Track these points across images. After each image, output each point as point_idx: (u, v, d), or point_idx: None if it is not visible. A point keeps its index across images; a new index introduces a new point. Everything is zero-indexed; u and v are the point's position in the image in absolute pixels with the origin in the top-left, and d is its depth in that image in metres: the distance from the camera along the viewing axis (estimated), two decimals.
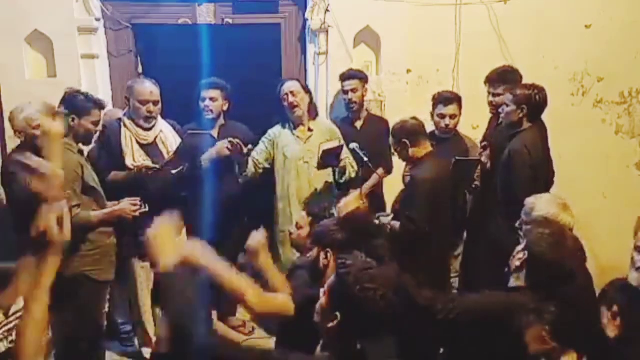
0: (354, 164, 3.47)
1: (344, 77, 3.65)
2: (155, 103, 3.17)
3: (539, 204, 2.40)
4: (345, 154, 3.41)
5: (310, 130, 3.50)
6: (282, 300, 1.87)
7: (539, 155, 3.05)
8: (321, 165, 3.35)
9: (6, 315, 2.06)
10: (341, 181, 3.51)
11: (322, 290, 1.54)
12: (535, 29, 4.01)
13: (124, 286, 3.37)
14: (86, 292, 2.85)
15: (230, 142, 3.29)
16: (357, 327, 1.45)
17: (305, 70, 4.12)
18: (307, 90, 3.52)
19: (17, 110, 3.10)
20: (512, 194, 2.89)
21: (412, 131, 3.00)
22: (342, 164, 3.39)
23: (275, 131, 3.54)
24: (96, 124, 2.92)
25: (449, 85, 3.89)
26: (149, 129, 3.22)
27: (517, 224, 2.46)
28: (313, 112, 3.54)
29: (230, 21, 4.00)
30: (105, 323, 3.09)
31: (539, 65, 3.91)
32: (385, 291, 1.43)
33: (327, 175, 3.51)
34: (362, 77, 3.66)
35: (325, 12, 3.82)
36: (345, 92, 3.64)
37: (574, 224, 2.36)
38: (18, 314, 2.09)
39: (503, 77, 3.37)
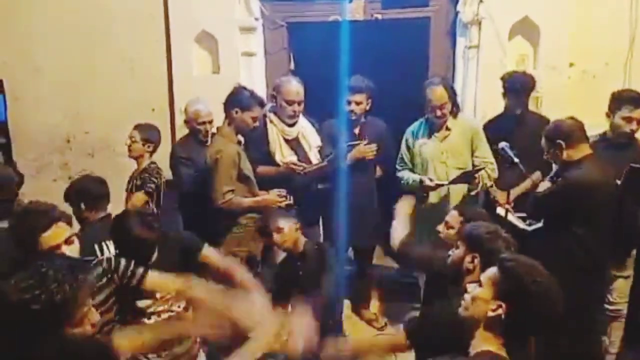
0: (493, 171, 3.26)
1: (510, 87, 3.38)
2: (299, 103, 3.33)
3: None
4: (482, 162, 3.24)
5: (448, 129, 3.33)
6: None
7: None
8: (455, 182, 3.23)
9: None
10: (472, 193, 3.29)
11: (472, 286, 1.58)
12: None
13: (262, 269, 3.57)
14: None
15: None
16: (528, 320, 1.48)
17: (454, 65, 3.97)
18: (451, 92, 3.30)
19: (190, 103, 3.51)
20: None
21: (569, 132, 2.74)
22: (475, 181, 3.20)
23: (413, 129, 3.45)
24: (255, 119, 3.14)
25: (620, 82, 3.48)
26: (292, 125, 3.38)
27: None
28: (455, 109, 3.34)
29: (380, 17, 4.01)
30: None
31: None
32: (553, 289, 1.47)
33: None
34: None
35: (479, 4, 3.64)
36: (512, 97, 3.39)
37: None
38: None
39: None
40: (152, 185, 3.22)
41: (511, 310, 1.47)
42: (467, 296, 1.57)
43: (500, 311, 1.47)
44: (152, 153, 3.34)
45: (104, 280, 1.94)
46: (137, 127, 3.35)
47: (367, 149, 3.48)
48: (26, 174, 3.76)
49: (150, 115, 3.95)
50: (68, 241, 1.84)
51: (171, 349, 2.23)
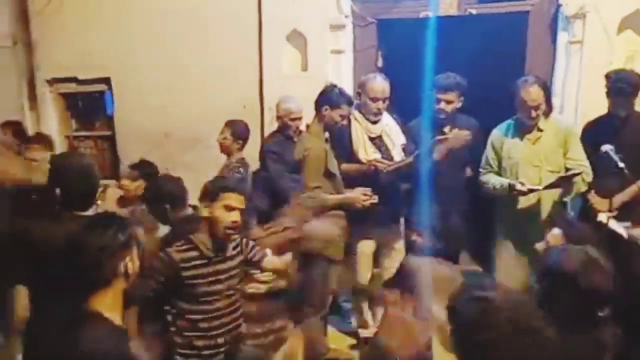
0: (588, 175, 3.05)
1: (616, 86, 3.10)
2: (384, 100, 3.29)
3: None
4: (576, 166, 3.04)
5: (540, 130, 3.14)
6: None
7: None
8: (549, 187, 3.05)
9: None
10: (565, 199, 3.13)
11: None
12: None
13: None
14: (316, 267, 3.11)
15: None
16: None
17: (554, 62, 3.74)
18: (546, 92, 3.13)
19: (282, 101, 3.60)
20: None
21: None
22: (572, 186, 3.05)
23: (500, 131, 3.28)
24: (343, 117, 3.17)
25: None
26: (376, 122, 3.35)
27: None
28: (547, 109, 3.13)
29: (474, 11, 3.87)
30: (330, 299, 3.34)
31: None
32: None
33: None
34: None
35: None
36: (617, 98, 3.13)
37: None
38: None
39: None
40: (238, 176, 3.33)
41: None
42: None
43: None
44: (241, 148, 3.46)
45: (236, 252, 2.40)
46: (228, 124, 3.49)
47: (460, 135, 3.31)
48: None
49: (241, 112, 4.08)
50: None
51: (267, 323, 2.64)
